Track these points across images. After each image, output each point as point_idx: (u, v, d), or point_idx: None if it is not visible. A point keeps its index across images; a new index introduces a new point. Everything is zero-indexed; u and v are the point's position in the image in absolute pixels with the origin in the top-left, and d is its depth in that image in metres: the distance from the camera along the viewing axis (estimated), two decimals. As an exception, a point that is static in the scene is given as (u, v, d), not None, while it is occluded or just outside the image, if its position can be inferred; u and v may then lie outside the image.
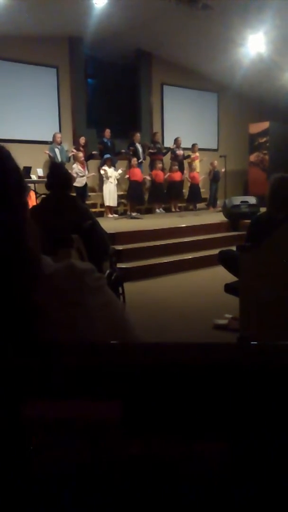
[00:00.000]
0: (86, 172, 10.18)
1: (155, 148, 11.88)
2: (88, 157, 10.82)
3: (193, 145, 12.53)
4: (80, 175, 9.85)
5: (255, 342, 0.61)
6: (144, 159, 11.65)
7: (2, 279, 0.67)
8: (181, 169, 12.26)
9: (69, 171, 6.30)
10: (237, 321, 3.59)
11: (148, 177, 11.64)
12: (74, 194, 6.50)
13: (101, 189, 11.13)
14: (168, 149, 12.39)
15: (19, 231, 0.71)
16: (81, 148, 10.64)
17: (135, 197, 10.90)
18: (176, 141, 12.32)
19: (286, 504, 0.57)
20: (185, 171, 12.32)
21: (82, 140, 10.78)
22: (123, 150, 11.05)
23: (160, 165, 11.66)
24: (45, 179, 3.63)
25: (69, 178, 3.64)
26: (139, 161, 11.20)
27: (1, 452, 0.59)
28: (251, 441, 0.57)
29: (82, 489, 0.59)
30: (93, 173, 10.84)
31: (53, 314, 0.69)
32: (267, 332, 2.84)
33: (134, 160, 10.76)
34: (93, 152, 10.93)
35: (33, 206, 3.56)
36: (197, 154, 12.53)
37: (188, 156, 12.41)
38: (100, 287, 0.75)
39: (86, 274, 0.74)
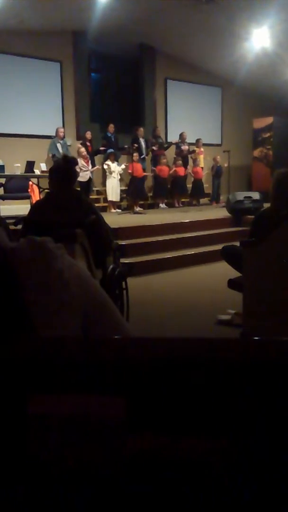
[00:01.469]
0: (90, 167, 10.18)
1: (157, 143, 11.85)
2: (96, 152, 10.82)
3: (198, 140, 12.49)
4: (84, 169, 9.86)
5: (258, 338, 0.61)
6: (147, 154, 11.62)
7: None
8: (185, 164, 12.23)
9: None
10: (240, 316, 3.59)
11: (150, 173, 11.59)
12: (78, 189, 6.49)
13: (104, 184, 11.12)
14: (170, 143, 12.34)
15: None
16: (88, 143, 10.63)
17: (136, 193, 10.87)
18: (181, 135, 12.28)
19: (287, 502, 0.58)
20: (189, 166, 12.28)
21: (88, 134, 10.75)
22: (126, 146, 11.03)
23: (164, 160, 11.62)
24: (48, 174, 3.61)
25: (74, 172, 3.62)
26: (142, 156, 11.17)
27: (5, 448, 0.60)
28: (253, 438, 0.57)
29: (84, 485, 0.59)
30: (97, 166, 10.82)
31: (26, 282, 0.72)
32: (270, 328, 2.84)
33: (135, 155, 10.73)
34: (100, 148, 10.94)
35: (37, 201, 3.55)
36: (202, 149, 12.50)
37: (193, 151, 12.37)
38: (63, 254, 0.80)
39: (47, 242, 0.79)
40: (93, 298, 0.81)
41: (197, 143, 12.47)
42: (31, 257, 0.76)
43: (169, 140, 12.68)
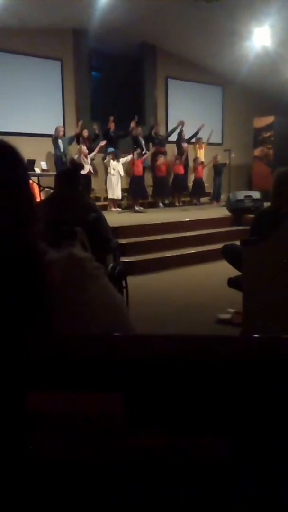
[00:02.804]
0: (89, 161, 10.17)
1: (157, 139, 11.83)
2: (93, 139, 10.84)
3: (198, 139, 12.49)
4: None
5: (258, 335, 0.62)
6: (148, 150, 11.61)
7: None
8: (186, 164, 12.21)
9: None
10: (240, 315, 3.59)
11: (148, 161, 11.46)
12: (81, 189, 6.48)
13: (104, 183, 11.11)
14: (171, 131, 12.30)
15: (21, 220, 0.74)
16: (85, 141, 10.64)
17: (136, 192, 10.86)
18: (180, 135, 12.27)
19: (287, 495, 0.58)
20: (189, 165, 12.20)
21: (85, 132, 10.77)
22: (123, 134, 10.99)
23: (162, 159, 11.57)
24: (48, 172, 3.64)
25: (80, 177, 3.67)
26: (143, 152, 11.16)
27: (5, 444, 0.60)
28: (253, 434, 0.57)
29: (84, 479, 0.59)
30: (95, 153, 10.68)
31: (56, 299, 0.72)
32: (270, 327, 2.84)
33: (135, 154, 10.72)
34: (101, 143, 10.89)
35: (41, 201, 3.58)
36: (203, 144, 12.52)
37: (197, 134, 12.28)
38: (99, 275, 0.79)
39: (86, 261, 0.78)
40: (116, 324, 0.80)
41: (198, 141, 12.45)
42: (67, 276, 0.75)
43: (169, 139, 12.65)
